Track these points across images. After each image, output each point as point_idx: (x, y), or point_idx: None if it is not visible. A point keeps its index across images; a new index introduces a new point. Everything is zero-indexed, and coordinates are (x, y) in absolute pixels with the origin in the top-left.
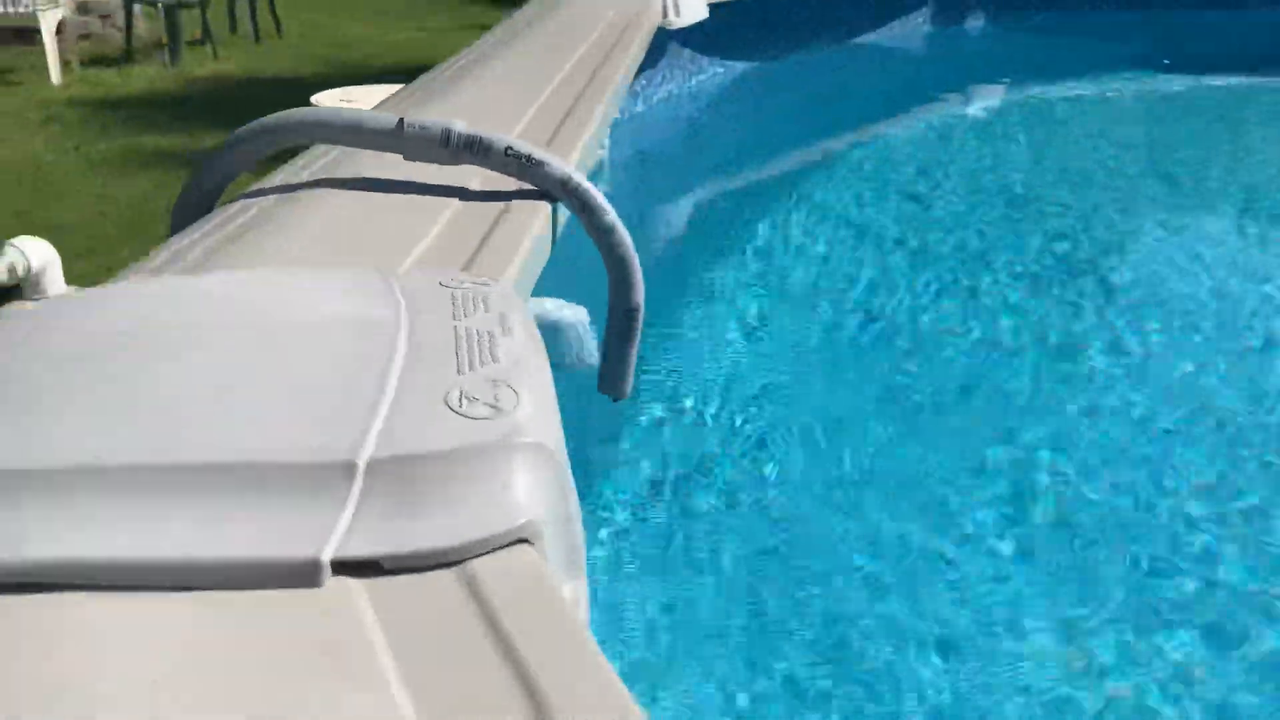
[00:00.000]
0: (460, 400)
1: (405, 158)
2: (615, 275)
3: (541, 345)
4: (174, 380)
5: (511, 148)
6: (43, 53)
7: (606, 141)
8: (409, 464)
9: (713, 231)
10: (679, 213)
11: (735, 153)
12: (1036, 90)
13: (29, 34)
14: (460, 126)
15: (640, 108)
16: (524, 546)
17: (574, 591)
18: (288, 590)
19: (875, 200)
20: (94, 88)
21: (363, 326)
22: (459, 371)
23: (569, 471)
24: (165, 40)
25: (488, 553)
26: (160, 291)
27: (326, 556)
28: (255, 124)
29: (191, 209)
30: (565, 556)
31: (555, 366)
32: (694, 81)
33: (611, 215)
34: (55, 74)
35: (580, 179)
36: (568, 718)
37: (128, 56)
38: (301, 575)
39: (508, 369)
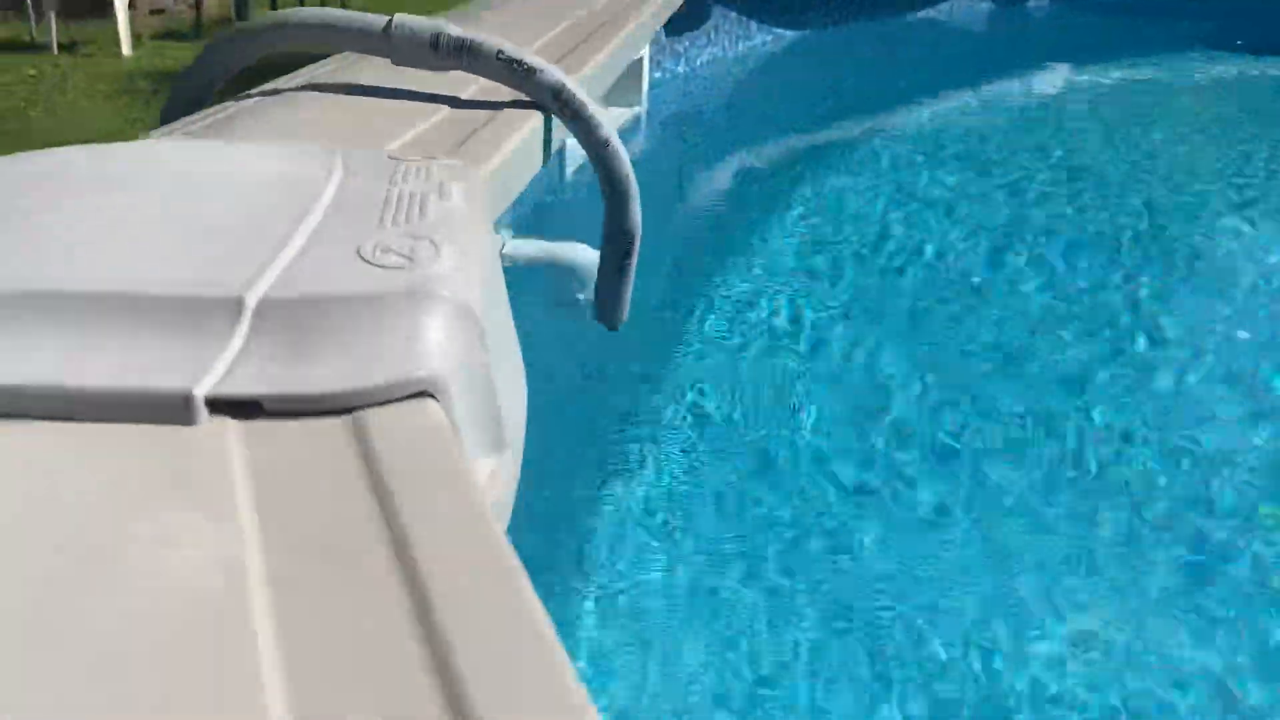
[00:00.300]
0: (374, 251)
1: (393, 61)
2: (610, 196)
3: (486, 219)
4: (73, 221)
5: (503, 52)
6: (115, 26)
7: (645, 97)
8: (304, 306)
9: (741, 197)
10: (713, 175)
11: (776, 122)
12: (1099, 71)
13: (102, 6)
14: (451, 29)
15: (683, 69)
16: (426, 401)
17: (494, 468)
18: (161, 426)
19: (916, 181)
20: (164, 61)
21: (289, 184)
22: (379, 226)
23: (509, 344)
24: (234, 16)
25: (383, 403)
26: (101, 152)
27: (201, 391)
28: (239, 26)
29: (178, 112)
30: (485, 428)
31: (569, 305)
32: (741, 47)
33: (607, 130)
34: (126, 47)
35: (575, 89)
36: (433, 563)
37: (198, 31)
38: (174, 410)
39: (433, 226)
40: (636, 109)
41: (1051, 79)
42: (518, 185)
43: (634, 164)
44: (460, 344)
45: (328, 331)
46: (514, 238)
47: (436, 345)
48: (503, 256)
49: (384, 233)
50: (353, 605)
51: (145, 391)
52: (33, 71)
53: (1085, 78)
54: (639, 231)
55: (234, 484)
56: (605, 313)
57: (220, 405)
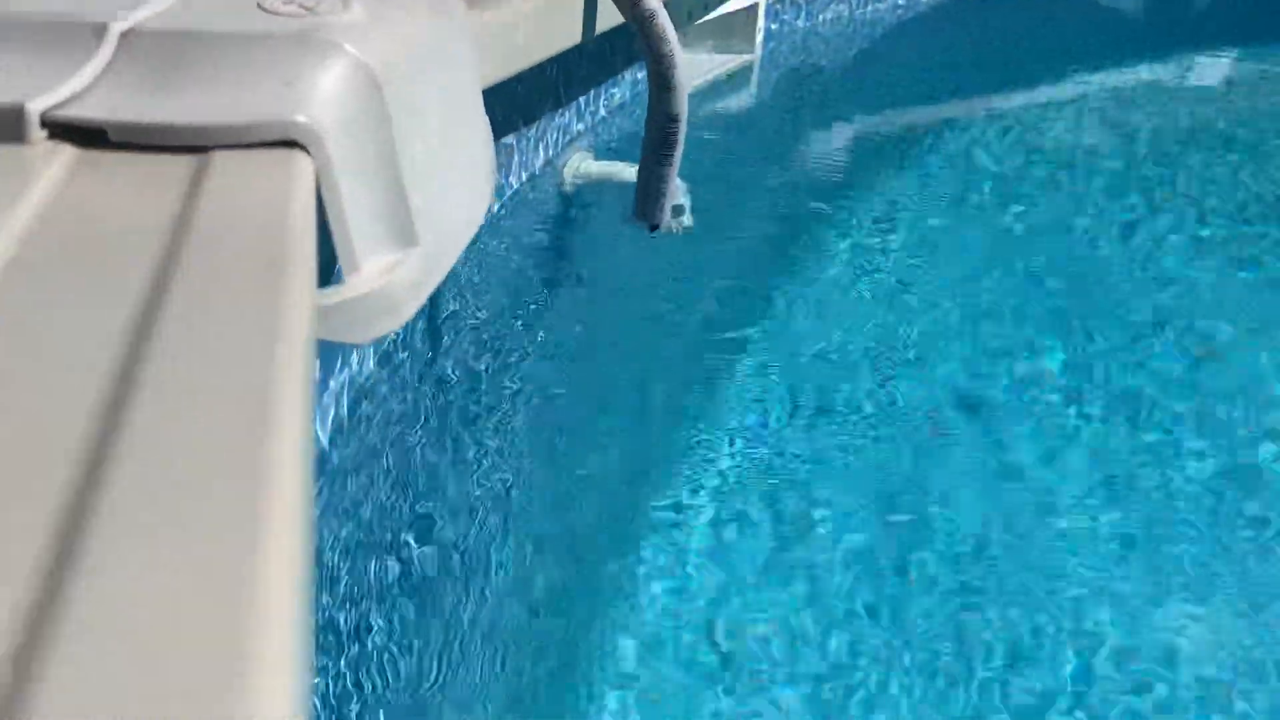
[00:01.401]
0: (275, 2)
1: None
2: (654, 77)
3: (441, 12)
4: None
5: None
6: None
7: (758, 47)
8: (175, 39)
9: (850, 160)
10: (825, 134)
11: (896, 91)
12: (1266, 65)
13: None
14: None
15: (803, 23)
16: (294, 153)
17: (393, 261)
18: None
19: (1052, 174)
20: None
21: None
22: None
23: (455, 145)
24: None
25: (244, 146)
26: None
27: (36, 107)
28: None
29: None
30: (384, 212)
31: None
32: (869, 8)
33: (653, 2)
34: None
35: None
36: (185, 309)
37: None
38: (6, 125)
39: None
40: (748, 57)
41: (1207, 66)
42: (545, 48)
43: (741, 113)
44: (351, 102)
45: (197, 67)
46: (593, 160)
47: (318, 94)
48: (576, 174)
49: None
50: (68, 317)
51: None
52: None
53: (1246, 68)
54: (683, 119)
55: (36, 197)
56: (643, 208)
57: (64, 130)
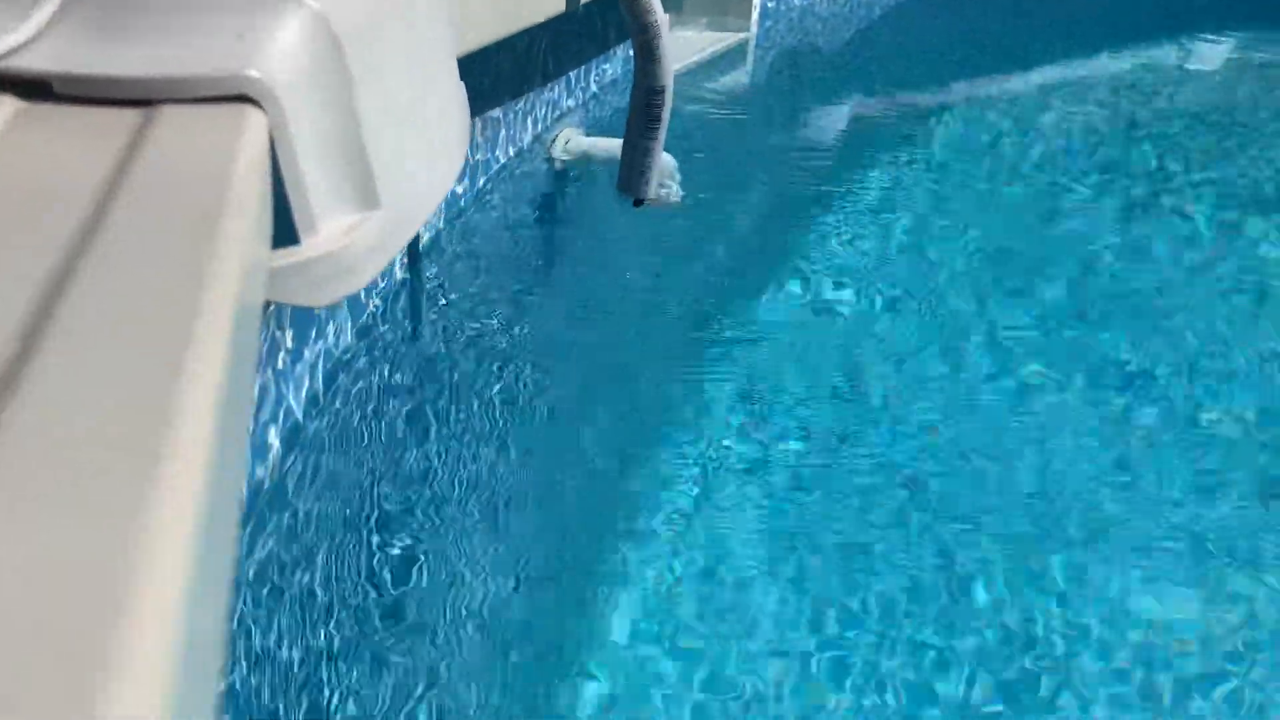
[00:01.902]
0: None
1: None
2: (639, 48)
3: None
4: None
5: None
6: None
7: (754, 24)
8: None
9: (849, 149)
10: (822, 114)
11: (895, 71)
12: (1266, 51)
13: None
14: None
15: (799, 1)
16: (246, 109)
17: (353, 223)
18: None
19: (1049, 153)
20: None
21: None
22: None
23: (422, 106)
24: None
25: (194, 101)
26: None
27: None
28: None
29: None
30: (343, 173)
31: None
32: None
33: None
34: None
35: None
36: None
37: None
38: None
39: None
40: (744, 34)
41: (1209, 50)
42: (529, 15)
43: (738, 92)
44: (308, 58)
45: (146, 18)
46: (583, 134)
47: (273, 48)
48: (565, 149)
49: None
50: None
51: None
52: None
53: (1246, 53)
54: (669, 92)
55: None
56: (628, 181)
57: (7, 82)
